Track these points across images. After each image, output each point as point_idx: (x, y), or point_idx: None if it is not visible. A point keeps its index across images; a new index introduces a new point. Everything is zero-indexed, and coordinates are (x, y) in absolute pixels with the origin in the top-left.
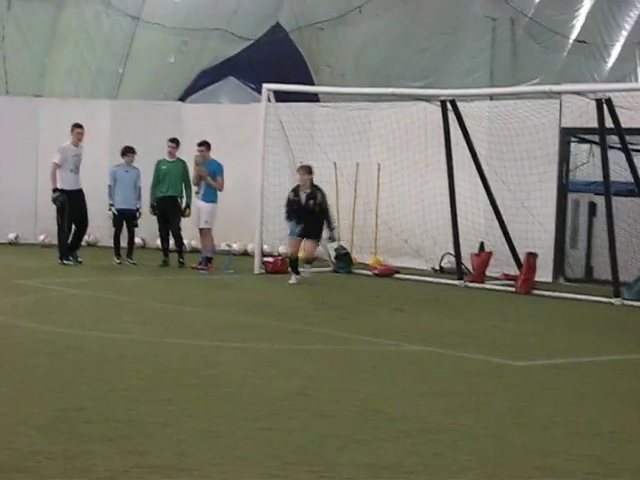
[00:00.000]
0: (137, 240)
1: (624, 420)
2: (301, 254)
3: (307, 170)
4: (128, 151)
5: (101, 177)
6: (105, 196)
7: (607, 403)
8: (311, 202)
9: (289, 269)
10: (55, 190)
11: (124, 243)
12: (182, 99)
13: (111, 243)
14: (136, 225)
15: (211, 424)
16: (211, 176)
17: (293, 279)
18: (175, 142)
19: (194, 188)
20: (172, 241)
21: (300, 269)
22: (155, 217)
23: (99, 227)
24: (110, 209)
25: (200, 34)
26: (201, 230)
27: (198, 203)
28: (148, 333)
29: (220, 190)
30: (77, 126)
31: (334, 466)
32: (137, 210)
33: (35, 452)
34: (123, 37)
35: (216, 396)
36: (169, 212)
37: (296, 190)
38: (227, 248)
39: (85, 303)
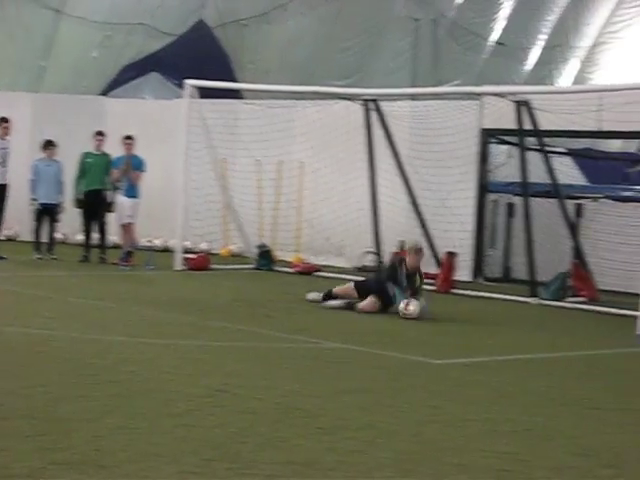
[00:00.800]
0: (58, 235)
1: (539, 418)
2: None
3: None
4: (49, 144)
5: (22, 171)
6: (25, 190)
7: (523, 401)
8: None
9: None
10: None
11: (45, 238)
12: (105, 94)
13: (31, 237)
14: (58, 220)
15: (130, 421)
16: (133, 170)
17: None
18: (103, 135)
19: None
20: (95, 236)
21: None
22: (79, 210)
23: (20, 221)
24: (32, 203)
25: (123, 29)
26: (123, 225)
27: (121, 198)
28: (68, 329)
29: (135, 183)
30: (3, 120)
31: (253, 463)
32: (59, 204)
33: None
34: (46, 30)
35: (136, 393)
36: (95, 206)
37: (400, 261)
38: (149, 244)
39: (4, 298)
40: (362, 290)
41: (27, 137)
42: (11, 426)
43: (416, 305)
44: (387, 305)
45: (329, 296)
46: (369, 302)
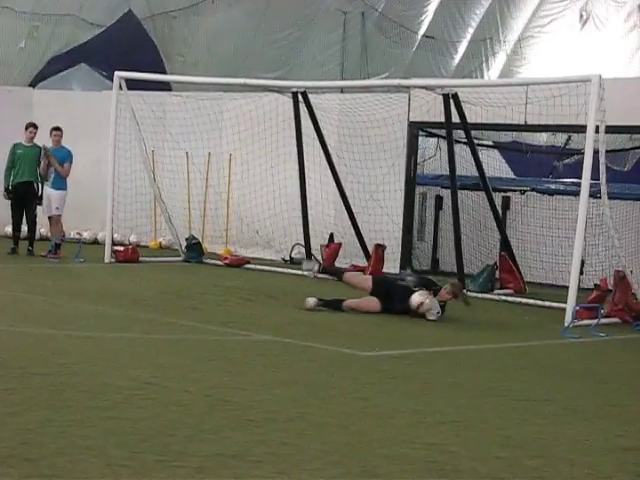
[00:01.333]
0: None
1: (467, 409)
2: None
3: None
4: None
5: None
6: None
7: (451, 392)
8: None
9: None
10: None
11: None
12: (33, 85)
13: None
14: None
15: (58, 413)
16: (59, 162)
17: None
18: (35, 127)
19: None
20: (24, 228)
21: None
22: (7, 202)
23: None
24: None
25: (51, 19)
26: (50, 218)
27: (48, 190)
28: None
29: (65, 177)
30: None
31: (182, 455)
32: None
33: None
34: None
35: (64, 385)
36: (26, 198)
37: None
38: (77, 236)
39: None
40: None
41: None
42: None
43: (432, 301)
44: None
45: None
46: (369, 303)
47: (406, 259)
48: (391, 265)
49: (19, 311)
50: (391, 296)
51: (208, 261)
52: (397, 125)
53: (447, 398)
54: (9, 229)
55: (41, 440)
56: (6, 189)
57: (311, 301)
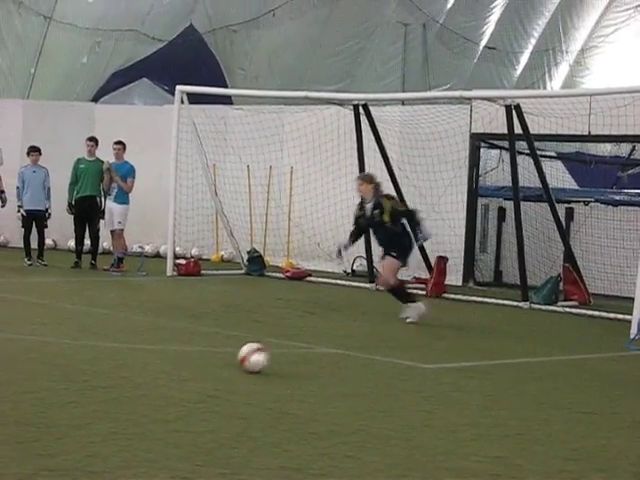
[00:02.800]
0: (48, 241)
1: (531, 422)
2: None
3: (365, 179)
4: (32, 150)
5: (13, 178)
6: (14, 197)
7: (514, 405)
8: (376, 212)
9: (398, 300)
10: None
11: (35, 244)
12: (95, 100)
13: (22, 244)
14: (46, 226)
15: (122, 426)
16: (122, 177)
17: (409, 313)
18: (94, 141)
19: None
20: (87, 242)
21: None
22: (70, 216)
23: (10, 228)
24: (19, 210)
25: (113, 35)
26: (113, 232)
27: (110, 204)
28: (59, 335)
29: (128, 192)
30: None
31: (245, 468)
32: (46, 210)
33: None
34: (35, 37)
35: (127, 398)
36: (88, 212)
37: (360, 204)
38: (140, 250)
39: None
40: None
41: (18, 144)
42: (2, 433)
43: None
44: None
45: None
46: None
47: (469, 271)
48: (453, 277)
49: (82, 324)
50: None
51: (270, 274)
52: (459, 137)
53: (511, 411)
54: (72, 243)
55: (105, 453)
56: (69, 204)
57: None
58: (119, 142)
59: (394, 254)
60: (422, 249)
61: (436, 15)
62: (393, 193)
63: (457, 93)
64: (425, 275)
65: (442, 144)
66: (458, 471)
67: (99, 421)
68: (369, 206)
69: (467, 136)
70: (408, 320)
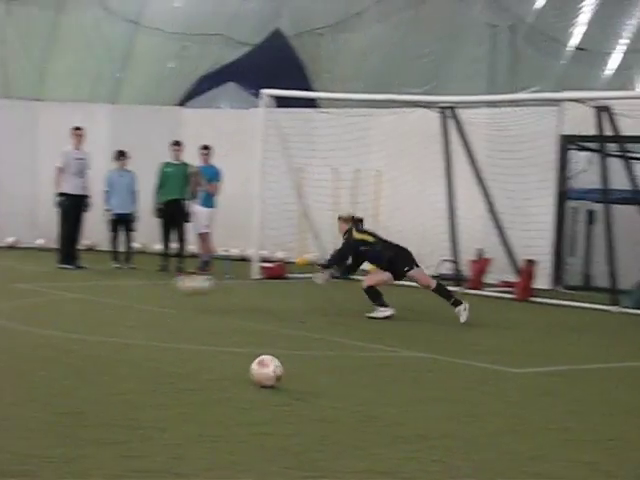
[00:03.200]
0: (136, 244)
1: (621, 427)
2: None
3: (343, 220)
4: (120, 155)
5: (101, 182)
6: (102, 200)
7: (604, 410)
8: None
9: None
10: (59, 194)
11: (122, 247)
12: (181, 104)
13: (109, 247)
14: (133, 229)
15: (208, 429)
16: (208, 181)
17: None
18: (179, 145)
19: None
20: (174, 245)
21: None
22: (157, 219)
23: (97, 232)
24: (106, 214)
25: (200, 39)
26: (200, 235)
27: (197, 208)
28: (146, 337)
29: (215, 195)
30: (75, 128)
31: (331, 472)
32: (133, 214)
33: (33, 455)
34: (123, 42)
35: (213, 401)
36: (175, 215)
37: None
38: (226, 253)
39: (84, 307)
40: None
41: (106, 148)
42: (91, 434)
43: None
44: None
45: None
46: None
47: (557, 275)
48: (542, 281)
49: (169, 327)
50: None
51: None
52: (547, 139)
53: (599, 416)
54: (159, 246)
55: (191, 455)
56: (156, 207)
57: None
58: (206, 147)
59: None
60: (510, 253)
61: (524, 16)
62: (480, 195)
63: (546, 95)
64: (513, 278)
65: (530, 146)
66: (547, 477)
67: (186, 423)
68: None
69: (556, 138)
70: (368, 315)
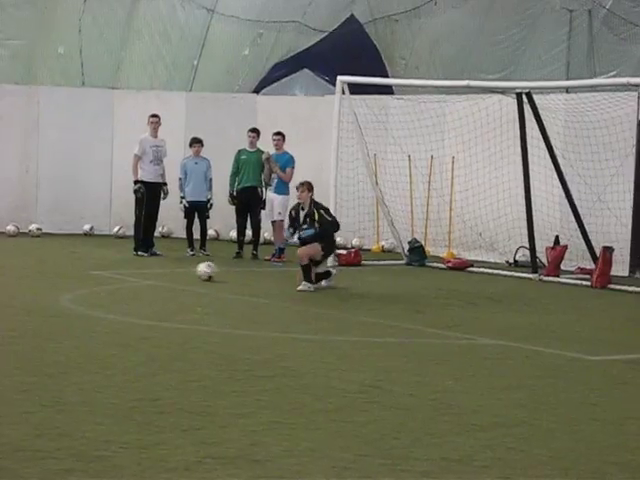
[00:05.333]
0: (211, 232)
1: None
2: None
3: (306, 187)
4: (195, 142)
5: (176, 169)
6: (177, 188)
7: None
8: (307, 220)
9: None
10: (136, 182)
11: (197, 235)
12: (256, 91)
13: (184, 234)
14: (208, 216)
15: (284, 416)
16: (281, 168)
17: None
18: (256, 132)
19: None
20: (248, 232)
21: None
22: (232, 207)
23: (173, 219)
24: (181, 201)
25: (274, 26)
26: (274, 222)
27: (271, 195)
28: (221, 325)
29: (287, 181)
30: (151, 116)
31: (407, 459)
32: (208, 201)
33: (109, 441)
34: (198, 29)
35: (289, 388)
36: (250, 203)
37: (296, 207)
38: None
39: (159, 294)
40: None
41: (181, 135)
42: (168, 420)
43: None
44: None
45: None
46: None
47: (635, 262)
48: (619, 268)
49: (244, 314)
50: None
51: (431, 264)
52: (626, 125)
53: None
54: (234, 234)
55: (267, 442)
56: (231, 194)
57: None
58: (278, 133)
59: (322, 244)
60: (587, 240)
61: (602, 0)
62: (556, 182)
63: (624, 80)
64: (590, 265)
65: (608, 132)
66: (625, 465)
67: (262, 410)
68: (302, 213)
69: (635, 124)
70: (298, 288)
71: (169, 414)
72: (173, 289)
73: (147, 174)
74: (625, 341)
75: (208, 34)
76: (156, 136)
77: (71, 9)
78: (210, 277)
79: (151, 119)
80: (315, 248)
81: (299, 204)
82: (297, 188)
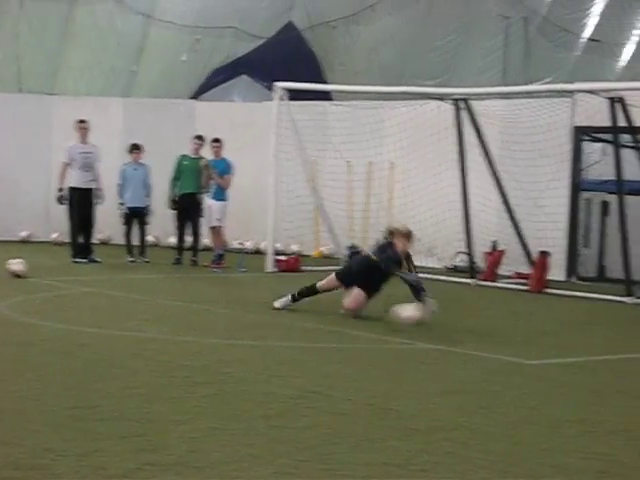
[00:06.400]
0: (150, 238)
1: (638, 418)
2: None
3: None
4: (134, 148)
5: (114, 175)
6: (115, 194)
7: (620, 402)
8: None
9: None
10: (60, 189)
11: (136, 241)
12: (195, 97)
13: (123, 241)
14: (147, 223)
15: (224, 422)
16: (220, 174)
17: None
18: (201, 139)
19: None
20: (188, 238)
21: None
22: (172, 213)
23: (111, 225)
24: (120, 207)
25: (213, 32)
26: (212, 228)
27: (209, 201)
28: (161, 331)
29: (226, 188)
30: (79, 121)
31: (348, 464)
32: (147, 208)
33: (48, 450)
34: (136, 35)
35: (229, 394)
36: (190, 209)
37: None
38: (240, 246)
39: (98, 301)
40: (347, 279)
41: (119, 141)
42: (106, 427)
43: (415, 309)
44: (372, 294)
45: (303, 294)
46: (355, 297)
47: (571, 266)
48: (556, 272)
49: (184, 320)
50: (357, 281)
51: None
52: (561, 130)
53: (616, 407)
54: (173, 240)
55: (207, 448)
56: (173, 200)
57: (279, 303)
58: (217, 140)
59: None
60: (524, 244)
61: (537, 8)
62: (493, 187)
63: (559, 86)
64: (527, 270)
65: (544, 138)
66: (562, 468)
67: (201, 416)
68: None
69: (569, 130)
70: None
71: (108, 421)
72: (112, 296)
73: (76, 180)
74: (562, 345)
75: (146, 40)
76: (85, 142)
77: (7, 15)
78: (19, 275)
79: (79, 124)
80: (360, 299)
81: (391, 243)
82: (405, 236)
